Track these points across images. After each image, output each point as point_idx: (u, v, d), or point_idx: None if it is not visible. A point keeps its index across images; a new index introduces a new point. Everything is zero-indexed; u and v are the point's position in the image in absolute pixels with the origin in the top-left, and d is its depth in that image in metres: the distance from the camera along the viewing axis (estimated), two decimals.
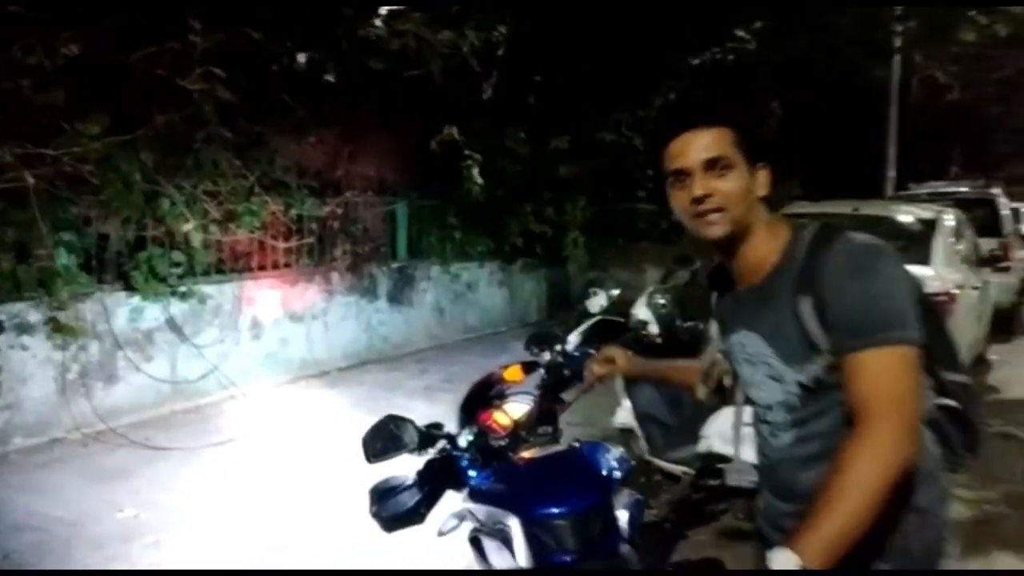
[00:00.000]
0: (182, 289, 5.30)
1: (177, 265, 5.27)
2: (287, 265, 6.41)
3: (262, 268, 6.21)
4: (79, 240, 4.70)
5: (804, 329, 1.36)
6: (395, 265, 7.52)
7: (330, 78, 7.27)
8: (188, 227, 4.95)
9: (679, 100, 7.71)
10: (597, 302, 2.32)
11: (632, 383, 4.37)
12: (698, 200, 1.37)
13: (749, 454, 3.77)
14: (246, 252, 6.04)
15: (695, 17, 9.62)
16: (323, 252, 6.71)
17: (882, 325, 1.29)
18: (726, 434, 3.92)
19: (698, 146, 1.37)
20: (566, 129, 8.79)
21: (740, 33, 10.24)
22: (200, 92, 4.64)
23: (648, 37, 9.19)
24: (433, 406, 5.49)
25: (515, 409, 2.06)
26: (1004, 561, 3.60)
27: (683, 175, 1.39)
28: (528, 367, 2.22)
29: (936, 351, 1.46)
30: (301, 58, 6.31)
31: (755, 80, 10.82)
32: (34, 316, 4.53)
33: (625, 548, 1.68)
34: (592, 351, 2.17)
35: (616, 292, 2.39)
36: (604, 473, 1.80)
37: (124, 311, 5.05)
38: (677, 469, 4.07)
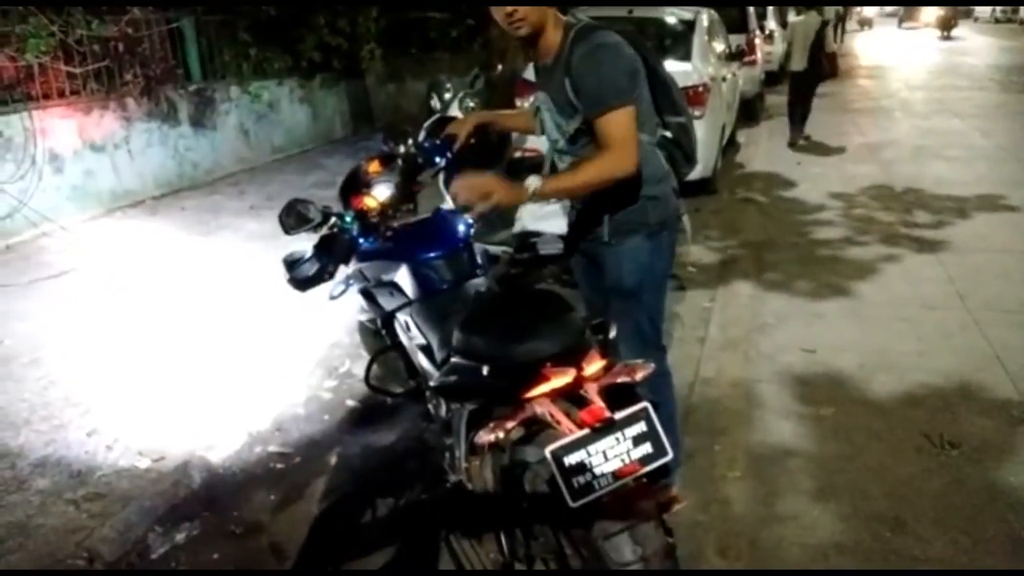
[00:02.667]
0: None
1: None
2: (75, 93, 6.05)
3: (48, 96, 5.84)
4: None
5: (568, 97, 2.10)
6: (192, 88, 7.26)
7: None
8: None
9: None
10: (441, 97, 2.78)
11: (450, 184, 4.97)
12: (510, 15, 2.03)
13: (555, 227, 4.81)
14: (29, 80, 5.63)
15: None
16: (111, 77, 6.36)
17: (610, 96, 2.01)
18: (536, 213, 4.72)
19: None
20: None
21: None
22: None
23: None
24: (262, 223, 5.77)
25: (380, 193, 2.58)
26: (740, 288, 4.82)
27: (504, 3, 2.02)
28: (385, 159, 2.71)
29: (661, 103, 2.31)
30: None
31: None
32: None
33: (484, 275, 2.35)
34: (437, 140, 2.70)
35: (450, 93, 2.86)
36: (462, 227, 2.42)
37: None
38: (497, 250, 4.83)
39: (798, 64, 9.49)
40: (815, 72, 9.55)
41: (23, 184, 5.53)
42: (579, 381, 1.58)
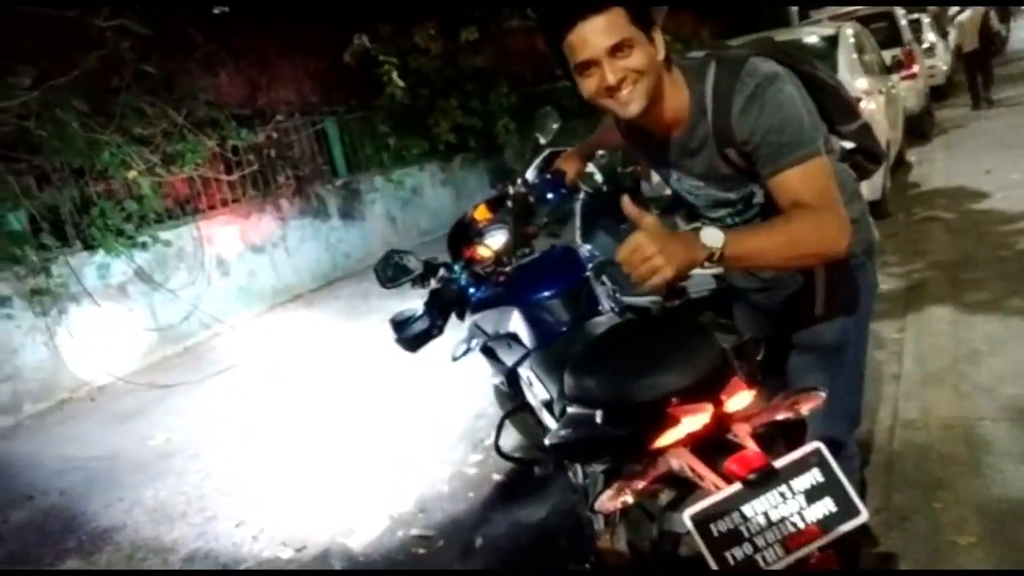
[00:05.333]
0: (142, 239, 5.41)
1: (130, 217, 5.35)
2: (236, 200, 6.50)
3: (212, 207, 6.30)
4: (31, 205, 4.76)
5: (736, 167, 1.57)
6: (338, 182, 7.63)
7: (223, 9, 7.17)
8: (134, 173, 5.02)
9: None
10: (547, 129, 2.54)
11: (588, 233, 4.73)
12: (613, 88, 1.42)
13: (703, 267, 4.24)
14: (195, 194, 6.12)
15: None
16: (267, 182, 6.79)
17: (794, 147, 1.45)
18: None
19: (596, 33, 1.38)
20: (472, 20, 8.80)
21: None
22: (112, 29, 4.63)
23: None
24: (405, 302, 5.80)
25: (494, 241, 2.36)
26: (935, 313, 4.13)
27: (590, 65, 1.42)
28: (493, 204, 2.50)
29: (833, 113, 1.80)
30: None
31: None
32: (6, 288, 4.63)
33: (609, 313, 2.03)
34: (547, 176, 2.47)
35: (558, 123, 2.60)
36: (578, 262, 2.13)
37: (91, 270, 5.16)
38: (644, 301, 4.47)
39: (970, 45, 10.91)
40: (987, 48, 10.94)
41: (195, 289, 5.92)
42: (721, 420, 1.21)
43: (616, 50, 1.39)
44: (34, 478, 3.74)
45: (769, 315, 1.88)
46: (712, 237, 1.31)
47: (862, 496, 1.12)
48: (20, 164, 4.75)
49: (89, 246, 5.16)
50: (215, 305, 6.02)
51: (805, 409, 1.22)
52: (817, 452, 1.11)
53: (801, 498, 1.10)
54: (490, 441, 3.44)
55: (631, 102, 1.45)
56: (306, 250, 7.07)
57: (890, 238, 5.67)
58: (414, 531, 2.84)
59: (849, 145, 1.91)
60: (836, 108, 1.79)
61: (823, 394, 1.25)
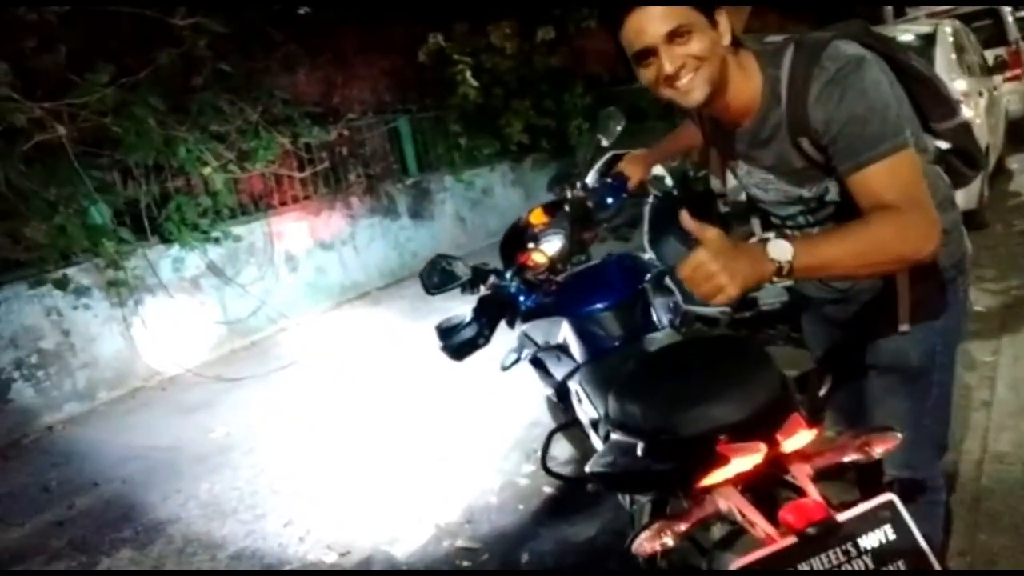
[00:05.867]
0: (215, 234, 5.53)
1: (205, 213, 5.48)
2: (307, 197, 6.58)
3: (284, 203, 6.40)
4: (112, 200, 4.92)
5: (810, 159, 1.43)
6: (409, 181, 7.65)
7: (306, 9, 7.30)
8: (208, 170, 5.13)
9: None
10: (610, 130, 2.41)
11: (656, 239, 4.55)
12: (671, 76, 1.33)
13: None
14: (267, 190, 6.23)
15: None
16: (338, 179, 6.86)
17: (878, 139, 1.31)
18: None
19: (653, 20, 1.30)
20: (549, 19, 8.69)
21: None
22: (190, 28, 4.73)
23: None
24: (468, 304, 5.75)
25: (550, 247, 2.25)
26: None
27: (648, 54, 1.33)
28: (550, 208, 2.38)
29: (925, 105, 1.62)
30: None
31: None
32: (86, 279, 4.79)
33: (666, 329, 1.89)
34: (608, 180, 2.34)
35: (622, 124, 2.47)
36: (635, 272, 2.00)
37: (167, 263, 5.30)
38: (713, 311, 4.25)
39: None
40: None
41: (264, 284, 6.02)
42: (777, 461, 1.07)
43: (674, 36, 1.30)
44: (101, 465, 3.84)
45: (844, 329, 1.70)
46: (780, 250, 1.20)
47: (946, 534, 0.96)
48: (102, 159, 4.91)
49: (165, 240, 5.30)
50: (283, 301, 6.11)
51: (878, 451, 1.07)
52: (890, 505, 0.96)
53: (868, 558, 0.94)
54: None
55: (692, 90, 1.36)
56: (375, 248, 7.11)
57: (987, 251, 5.27)
58: (460, 542, 2.75)
59: (944, 146, 1.69)
60: (932, 102, 1.60)
61: (899, 435, 1.09)
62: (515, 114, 8.60)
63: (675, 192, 4.59)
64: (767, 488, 1.15)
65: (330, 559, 2.71)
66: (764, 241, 1.26)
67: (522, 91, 8.69)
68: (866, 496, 1.08)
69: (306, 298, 6.38)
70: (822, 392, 1.15)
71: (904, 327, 1.53)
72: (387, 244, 7.25)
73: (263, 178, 6.16)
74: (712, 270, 1.16)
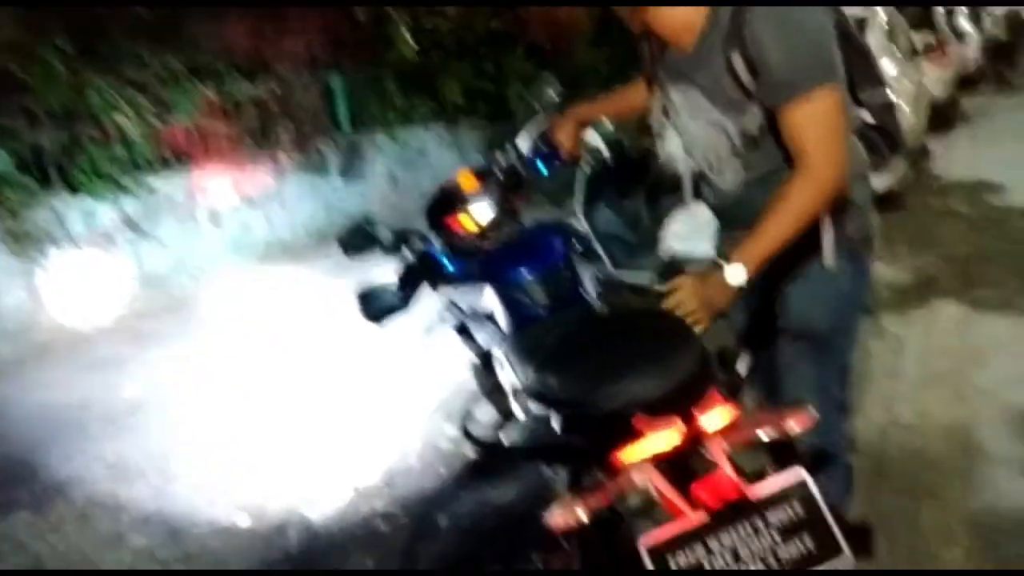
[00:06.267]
0: (127, 183, 5.23)
1: (120, 162, 5.18)
2: (233, 152, 6.31)
3: (208, 158, 6.11)
4: (15, 146, 4.59)
5: (739, 81, 1.49)
6: (341, 139, 7.42)
7: None
8: (123, 118, 4.83)
9: None
10: (546, 97, 2.37)
11: (589, 209, 4.54)
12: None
13: (708, 248, 4.04)
14: (190, 143, 5.94)
15: None
16: (266, 135, 6.59)
17: (806, 74, 1.42)
18: (682, 233, 4.15)
19: None
20: None
21: None
22: None
23: None
24: (392, 267, 5.65)
25: (480, 214, 2.19)
26: (943, 310, 3.96)
27: None
28: (481, 175, 2.32)
29: (856, 75, 1.65)
30: None
31: None
32: None
33: (592, 299, 1.87)
34: (541, 147, 2.29)
35: (558, 91, 2.42)
36: (562, 240, 1.97)
37: (77, 214, 5.00)
38: (642, 277, 4.31)
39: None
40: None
41: (184, 240, 5.76)
42: (694, 437, 1.06)
43: None
44: (0, 423, 3.63)
45: (764, 304, 1.74)
46: (736, 274, 1.45)
47: (849, 493, 0.98)
48: (8, 104, 4.57)
49: (76, 190, 4.99)
50: (204, 257, 5.87)
51: (793, 428, 1.07)
52: (802, 486, 0.96)
53: (775, 533, 0.94)
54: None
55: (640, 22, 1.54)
56: (303, 206, 6.89)
57: (903, 230, 5.47)
58: (378, 506, 2.72)
59: (869, 120, 1.75)
60: (864, 75, 1.69)
61: (815, 413, 1.09)
62: (453, 75, 8.41)
63: (609, 160, 4.58)
64: (683, 460, 1.14)
65: (243, 523, 2.63)
66: (718, 267, 1.48)
67: (461, 53, 8.49)
68: (776, 465, 1.08)
69: (229, 255, 6.15)
70: (740, 370, 1.14)
71: (829, 261, 1.62)
72: (316, 202, 7.03)
73: (186, 131, 5.87)
74: (691, 308, 1.44)
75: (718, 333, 2.02)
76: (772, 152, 1.56)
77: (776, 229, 1.46)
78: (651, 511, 1.25)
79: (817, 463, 1.17)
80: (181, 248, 5.70)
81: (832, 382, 1.75)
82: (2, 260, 4.58)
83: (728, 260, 1.48)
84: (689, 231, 4.15)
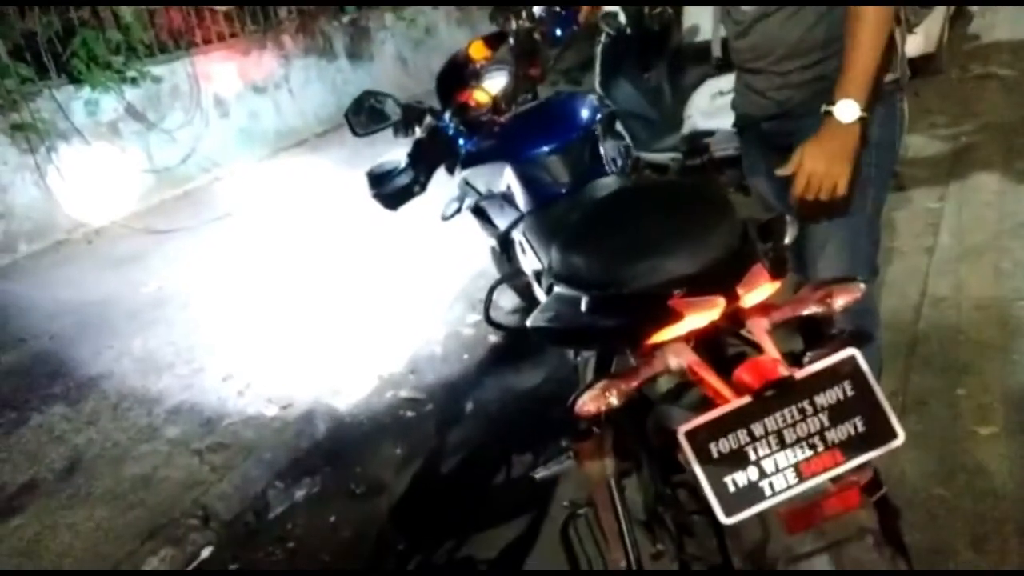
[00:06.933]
0: (131, 74, 5.05)
1: (118, 49, 4.97)
2: (233, 35, 6.04)
3: (208, 41, 5.86)
4: (4, 32, 4.40)
5: None
6: (346, 19, 7.06)
7: None
8: None
9: None
10: None
11: (608, 81, 4.30)
12: None
13: (730, 122, 3.81)
14: (187, 26, 5.68)
15: None
16: (267, 16, 6.29)
17: None
18: (706, 109, 3.95)
19: None
20: None
21: None
22: None
23: None
24: (404, 148, 5.48)
25: (493, 84, 2.04)
26: (981, 181, 3.78)
27: None
28: (492, 40, 2.16)
29: None
30: None
31: None
32: None
33: (617, 174, 1.76)
34: (557, 8, 2.11)
35: None
36: (584, 112, 1.83)
37: (79, 105, 4.85)
38: (664, 158, 4.13)
39: None
40: None
41: (192, 130, 5.62)
42: (735, 315, 0.98)
43: None
44: (27, 321, 3.66)
45: (780, 153, 1.64)
46: (849, 111, 1.38)
47: (877, 376, 0.92)
48: None
49: (75, 80, 4.82)
50: (214, 148, 5.74)
51: (839, 303, 0.99)
52: (851, 361, 0.89)
53: (824, 416, 0.88)
54: None
55: None
56: (311, 92, 6.66)
57: (941, 98, 5.19)
58: (403, 393, 2.73)
59: None
60: None
61: (862, 286, 1.01)
62: None
63: (628, 31, 4.31)
64: (717, 342, 1.08)
65: (271, 412, 2.66)
66: (828, 115, 1.40)
67: None
68: (811, 345, 1.01)
69: (239, 145, 6.01)
70: (787, 240, 1.05)
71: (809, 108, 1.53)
72: (324, 87, 6.80)
73: (183, 13, 5.60)
74: (820, 172, 1.38)
75: (751, 206, 1.92)
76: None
77: (866, 49, 1.38)
78: (681, 396, 1.20)
79: (850, 339, 1.09)
80: (190, 139, 5.56)
81: (862, 238, 1.68)
82: (11, 155, 4.49)
83: (830, 102, 1.40)
84: (716, 106, 3.94)
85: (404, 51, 7.70)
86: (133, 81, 5.09)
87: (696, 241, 1.03)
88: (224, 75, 5.92)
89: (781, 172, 1.43)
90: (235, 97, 6.01)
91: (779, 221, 1.06)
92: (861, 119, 1.38)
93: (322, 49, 6.79)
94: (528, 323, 1.24)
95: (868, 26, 1.37)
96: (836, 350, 0.91)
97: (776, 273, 1.00)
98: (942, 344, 2.53)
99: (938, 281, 2.92)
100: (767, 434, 0.88)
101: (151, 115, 5.30)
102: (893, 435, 0.88)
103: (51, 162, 4.66)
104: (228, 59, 5.97)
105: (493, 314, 2.08)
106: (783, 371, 0.90)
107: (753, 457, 0.87)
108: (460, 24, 8.45)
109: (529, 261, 1.76)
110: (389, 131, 1.97)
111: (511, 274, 2.09)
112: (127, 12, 4.82)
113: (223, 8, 5.77)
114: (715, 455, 0.87)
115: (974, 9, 8.18)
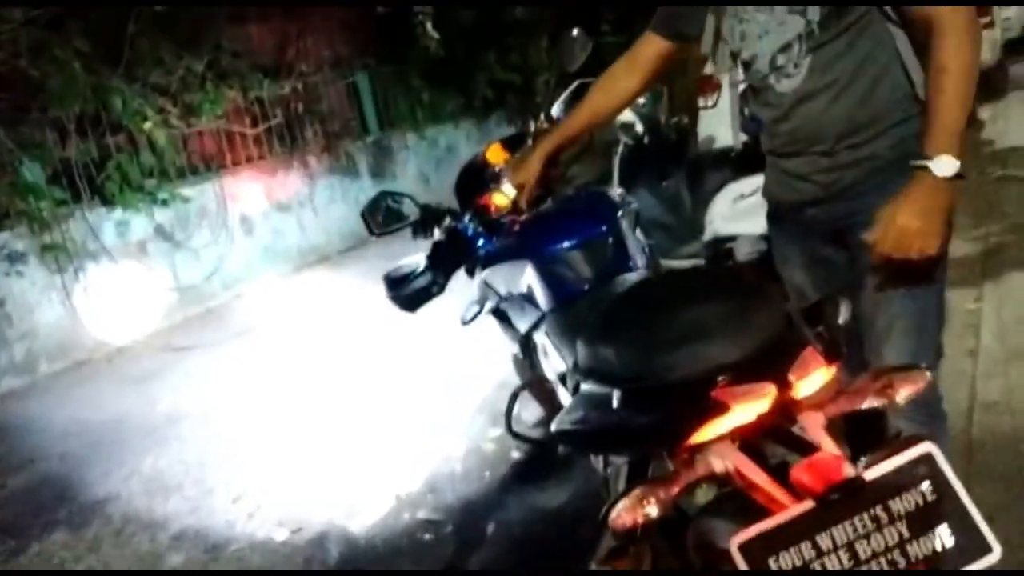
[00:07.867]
0: (162, 195, 5.20)
1: (150, 173, 5.14)
2: (261, 157, 6.25)
3: (237, 163, 6.06)
4: (44, 157, 4.56)
5: None
6: (369, 139, 7.33)
7: None
8: (148, 124, 4.78)
9: None
10: (575, 56, 2.18)
11: (626, 189, 4.32)
12: None
13: (753, 226, 3.75)
14: (218, 149, 5.89)
15: None
16: (294, 137, 6.53)
17: None
18: (727, 214, 3.92)
19: None
20: None
21: None
22: None
23: None
24: (422, 251, 5.51)
25: (512, 188, 2.02)
26: (1016, 281, 3.67)
27: None
28: (509, 144, 2.15)
29: None
30: None
31: None
32: (20, 244, 4.46)
33: (641, 270, 1.68)
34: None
35: (588, 48, 2.24)
36: (608, 207, 1.78)
37: (110, 226, 4.97)
38: (688, 264, 4.08)
39: None
40: None
41: (218, 248, 5.71)
42: (786, 409, 0.87)
43: None
44: (38, 441, 3.58)
45: (825, 240, 1.57)
46: (945, 166, 1.30)
47: None
48: (33, 114, 4.54)
49: (107, 202, 4.96)
50: (238, 266, 5.82)
51: (903, 395, 0.87)
52: (928, 458, 0.76)
53: (903, 525, 0.75)
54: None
55: None
56: (334, 210, 6.81)
57: (964, 199, 5.14)
58: (421, 514, 2.56)
59: None
60: None
61: (928, 375, 0.89)
62: (480, 68, 8.27)
63: (646, 140, 4.36)
64: (760, 444, 0.95)
65: (280, 536, 2.50)
66: (922, 168, 1.32)
67: (486, 44, 8.35)
68: (868, 444, 0.89)
69: (263, 263, 6.09)
70: (841, 320, 0.95)
71: (881, 176, 1.45)
72: (347, 205, 6.94)
73: (214, 136, 5.83)
74: (914, 228, 1.28)
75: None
76: (850, 30, 1.43)
77: (956, 99, 1.32)
78: (722, 507, 1.06)
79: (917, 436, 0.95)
80: (215, 257, 5.64)
81: (932, 321, 1.55)
82: (39, 276, 4.55)
83: (923, 157, 1.32)
84: (737, 211, 3.90)
85: (426, 169, 7.91)
86: (164, 203, 5.23)
87: (739, 325, 0.93)
88: (250, 194, 6.09)
89: (868, 237, 1.32)
90: (260, 215, 6.15)
91: (831, 302, 0.96)
92: (958, 175, 1.32)
93: (346, 169, 6.99)
94: (553, 427, 1.13)
95: (955, 78, 1.32)
96: (902, 448, 0.79)
97: (831, 357, 0.89)
98: (999, 452, 2.34)
99: (987, 385, 2.75)
100: (836, 547, 0.74)
101: (178, 234, 5.41)
102: (987, 548, 0.74)
103: (78, 281, 4.72)
104: (255, 179, 6.15)
105: (516, 427, 1.96)
106: (849, 471, 0.77)
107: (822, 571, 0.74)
108: (480, 143, 8.71)
109: (552, 364, 1.66)
110: (409, 245, 1.93)
111: (534, 380, 1.98)
112: (161, 136, 4.99)
113: (253, 131, 5.98)
114: (775, 571, 0.74)
115: (984, 116, 8.33)
